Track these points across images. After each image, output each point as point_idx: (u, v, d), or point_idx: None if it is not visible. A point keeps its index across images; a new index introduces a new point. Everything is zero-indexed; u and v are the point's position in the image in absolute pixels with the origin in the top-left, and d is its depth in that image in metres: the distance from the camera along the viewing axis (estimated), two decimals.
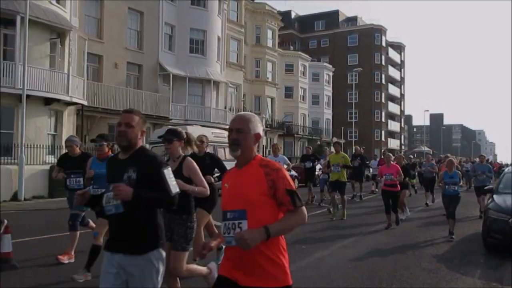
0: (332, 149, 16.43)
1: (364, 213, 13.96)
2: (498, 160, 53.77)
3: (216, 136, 18.68)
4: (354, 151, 20.84)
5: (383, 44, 66.92)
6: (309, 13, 70.55)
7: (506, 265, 7.22)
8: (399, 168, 10.98)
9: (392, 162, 11.01)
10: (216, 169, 6.55)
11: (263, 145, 40.16)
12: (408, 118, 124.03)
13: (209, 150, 7.43)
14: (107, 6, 24.99)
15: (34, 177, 16.85)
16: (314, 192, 16.55)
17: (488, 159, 31.69)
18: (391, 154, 11.74)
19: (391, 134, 71.31)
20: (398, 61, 74.64)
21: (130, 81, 26.69)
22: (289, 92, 48.44)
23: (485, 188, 10.86)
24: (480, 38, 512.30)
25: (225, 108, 32.57)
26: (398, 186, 10.94)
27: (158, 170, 3.03)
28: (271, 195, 2.47)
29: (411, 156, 31.25)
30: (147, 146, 20.88)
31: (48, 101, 19.03)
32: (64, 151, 20.50)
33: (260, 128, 2.66)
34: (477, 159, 18.07)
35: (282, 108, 46.73)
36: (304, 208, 2.52)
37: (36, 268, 6.46)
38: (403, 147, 75.72)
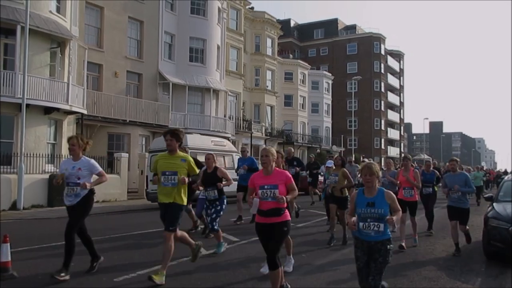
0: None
1: None
2: (498, 168, 53.75)
3: (216, 145, 18.70)
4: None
5: (382, 52, 67.22)
6: (308, 22, 71.06)
7: (507, 273, 7.19)
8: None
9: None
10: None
11: None
12: (408, 126, 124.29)
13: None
14: (107, 16, 25.13)
15: (33, 186, 16.82)
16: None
17: (482, 167, 30.28)
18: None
19: (391, 142, 71.37)
20: (397, 69, 74.90)
21: (130, 90, 26.76)
22: (288, 100, 48.56)
23: (485, 196, 10.68)
24: (479, 46, 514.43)
25: (224, 116, 32.62)
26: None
27: None
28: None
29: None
30: (147, 154, 20.94)
31: (48, 110, 19.07)
32: (64, 157, 20.50)
33: None
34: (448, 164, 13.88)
35: (281, 116, 46.82)
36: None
37: (34, 278, 6.43)
38: (402, 155, 75.65)
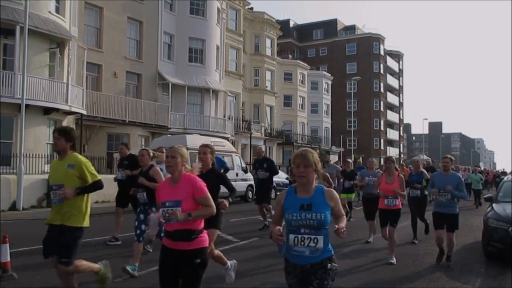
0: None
1: (365, 222, 13.89)
2: (497, 168, 53.37)
3: (215, 145, 18.67)
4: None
5: (382, 53, 67.23)
6: (307, 22, 71.08)
7: (507, 273, 7.19)
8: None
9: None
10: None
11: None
12: (407, 127, 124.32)
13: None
14: (106, 16, 25.12)
15: (33, 186, 16.78)
16: None
17: (478, 168, 28.59)
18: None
19: (390, 143, 71.38)
20: (397, 69, 74.93)
21: (129, 90, 26.74)
22: (288, 101, 48.54)
23: (485, 197, 10.66)
24: (479, 46, 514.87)
25: (224, 116, 32.61)
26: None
27: None
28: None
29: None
30: None
31: (47, 111, 19.05)
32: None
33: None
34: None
35: (281, 116, 46.81)
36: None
37: (34, 278, 6.42)
38: (402, 155, 75.77)
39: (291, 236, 3.24)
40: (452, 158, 7.92)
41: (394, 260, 7.83)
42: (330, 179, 8.72)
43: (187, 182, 3.84)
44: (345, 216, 3.44)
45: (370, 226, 10.22)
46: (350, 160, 15.48)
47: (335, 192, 3.44)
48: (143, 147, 7.72)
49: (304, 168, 3.32)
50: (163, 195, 3.87)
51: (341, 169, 16.32)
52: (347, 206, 13.50)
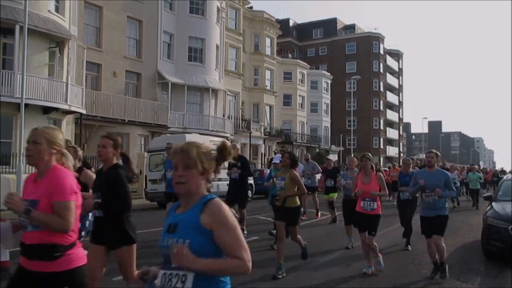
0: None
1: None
2: (497, 167, 52.71)
3: (215, 144, 18.65)
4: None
5: (381, 52, 67.21)
6: (307, 21, 70.87)
7: (506, 272, 7.19)
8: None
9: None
10: None
11: (261, 153, 40.18)
12: (407, 126, 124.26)
13: None
14: (106, 15, 25.10)
15: None
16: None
17: (476, 166, 23.99)
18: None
19: (390, 142, 71.39)
20: (396, 68, 74.92)
21: (129, 90, 26.73)
22: (287, 100, 48.53)
23: (484, 195, 10.63)
24: (478, 45, 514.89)
25: (223, 116, 32.61)
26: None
27: None
28: None
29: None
30: (146, 154, 20.91)
31: (46, 110, 19.05)
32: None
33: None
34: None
35: (280, 116, 46.80)
36: None
37: None
38: (401, 154, 75.77)
39: (161, 273, 2.15)
40: (438, 153, 6.95)
41: (370, 270, 6.89)
42: (301, 182, 7.10)
43: (51, 177, 2.82)
44: (234, 261, 2.07)
45: (347, 230, 9.21)
46: (331, 158, 14.98)
47: (224, 207, 2.14)
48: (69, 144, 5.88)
49: (184, 170, 2.14)
50: (25, 192, 2.91)
51: (319, 167, 14.70)
52: (329, 207, 12.87)
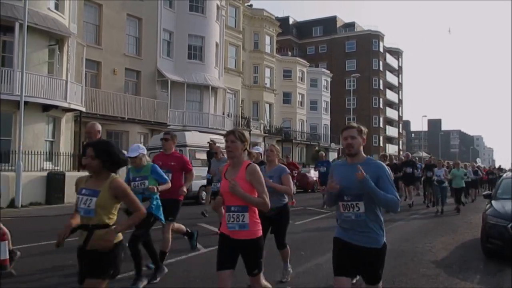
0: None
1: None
2: (497, 165, 51.93)
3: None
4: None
5: (381, 50, 67.21)
6: (307, 19, 70.93)
7: (505, 271, 7.19)
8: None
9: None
10: None
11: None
12: (406, 124, 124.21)
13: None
14: (105, 13, 25.07)
15: (31, 183, 16.78)
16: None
17: (458, 163, 18.02)
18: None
19: (389, 140, 71.44)
20: (396, 67, 74.93)
21: (129, 88, 26.72)
22: (287, 98, 48.54)
23: (484, 194, 10.63)
24: (478, 43, 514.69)
25: (223, 114, 32.61)
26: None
27: None
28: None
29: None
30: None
31: (46, 108, 19.04)
32: (61, 158, 20.39)
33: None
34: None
35: (280, 113, 46.80)
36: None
37: (33, 275, 6.42)
38: (401, 152, 75.81)
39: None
40: (363, 128, 3.98)
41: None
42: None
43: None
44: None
45: None
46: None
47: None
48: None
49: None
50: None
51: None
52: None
